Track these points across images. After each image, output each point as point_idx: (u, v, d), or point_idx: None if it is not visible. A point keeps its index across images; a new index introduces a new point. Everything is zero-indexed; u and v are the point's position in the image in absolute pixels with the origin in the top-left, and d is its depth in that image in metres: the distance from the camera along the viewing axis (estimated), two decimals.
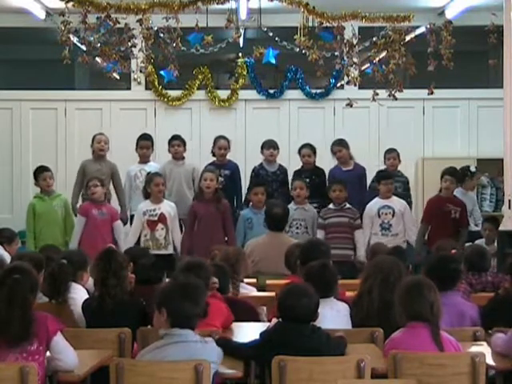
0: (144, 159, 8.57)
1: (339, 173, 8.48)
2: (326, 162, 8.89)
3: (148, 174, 8.04)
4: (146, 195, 7.74)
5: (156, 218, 7.64)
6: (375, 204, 7.90)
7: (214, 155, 8.59)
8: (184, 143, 8.53)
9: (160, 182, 7.68)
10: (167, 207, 7.71)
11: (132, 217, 8.15)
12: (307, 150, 8.51)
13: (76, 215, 8.27)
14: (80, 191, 8.45)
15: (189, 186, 8.39)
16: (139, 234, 7.69)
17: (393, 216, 7.83)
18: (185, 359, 3.79)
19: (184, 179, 8.42)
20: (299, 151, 8.57)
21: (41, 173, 8.05)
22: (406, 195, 8.55)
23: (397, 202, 7.94)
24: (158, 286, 5.27)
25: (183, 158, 8.54)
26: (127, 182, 8.50)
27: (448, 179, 8.03)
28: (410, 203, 8.58)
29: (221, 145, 8.55)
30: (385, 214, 7.83)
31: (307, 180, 8.15)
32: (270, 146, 8.53)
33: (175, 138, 8.56)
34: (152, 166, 8.48)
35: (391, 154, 8.69)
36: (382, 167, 8.84)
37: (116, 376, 3.79)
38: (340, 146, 8.59)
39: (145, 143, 8.58)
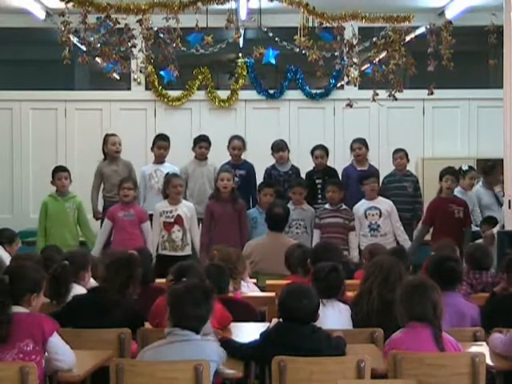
0: (160, 159, 8.52)
1: (353, 172, 8.50)
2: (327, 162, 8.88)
3: (166, 174, 8.00)
4: (165, 196, 7.73)
5: (172, 220, 7.63)
6: (362, 205, 7.90)
7: (230, 155, 8.61)
8: (210, 145, 8.51)
9: (178, 184, 7.67)
10: (184, 208, 7.69)
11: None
12: (320, 152, 8.54)
13: (97, 218, 8.31)
14: (98, 194, 8.47)
15: (211, 185, 8.31)
16: None
17: (380, 216, 7.84)
18: (188, 357, 3.81)
19: (206, 179, 8.40)
20: (312, 152, 8.58)
21: (57, 172, 8.07)
22: (415, 195, 8.56)
23: (383, 203, 7.93)
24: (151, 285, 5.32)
25: (206, 158, 8.53)
26: (141, 181, 8.42)
27: (449, 178, 8.03)
28: (420, 203, 8.59)
29: (234, 145, 8.57)
30: (372, 215, 7.84)
31: (319, 180, 8.21)
32: (278, 149, 8.55)
33: (203, 139, 8.51)
34: (167, 167, 8.43)
35: (398, 154, 8.69)
36: (387, 167, 8.86)
37: (116, 376, 3.80)
38: (361, 143, 8.63)
39: (163, 144, 8.52)
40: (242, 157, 8.68)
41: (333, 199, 7.79)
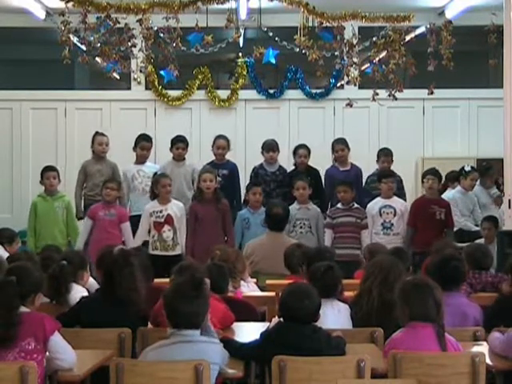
0: (142, 160, 8.52)
1: (336, 173, 8.51)
2: (326, 162, 8.88)
3: (155, 174, 8.00)
4: (154, 196, 7.73)
5: (162, 220, 7.61)
6: (377, 203, 7.93)
7: (214, 154, 8.61)
8: (187, 145, 8.51)
9: (167, 183, 7.66)
10: (174, 208, 7.68)
11: (131, 217, 8.15)
12: (304, 151, 8.53)
13: (80, 217, 8.27)
14: (82, 192, 8.44)
15: (189, 186, 8.36)
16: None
17: (394, 215, 7.86)
18: (190, 358, 3.80)
19: (184, 180, 8.39)
20: (295, 151, 8.57)
21: (45, 172, 8.07)
22: (399, 194, 8.56)
23: (397, 202, 7.97)
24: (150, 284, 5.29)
25: (184, 158, 8.53)
26: (124, 182, 8.41)
27: (430, 178, 8.00)
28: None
29: (219, 144, 8.55)
30: (386, 214, 7.86)
31: None
32: (269, 149, 8.53)
33: (180, 140, 8.48)
34: (149, 166, 8.46)
35: (386, 158, 8.63)
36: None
37: (116, 376, 3.79)
38: (343, 145, 8.62)
39: (146, 144, 8.52)
40: (227, 157, 8.63)
41: (345, 199, 7.81)
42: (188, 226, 7.76)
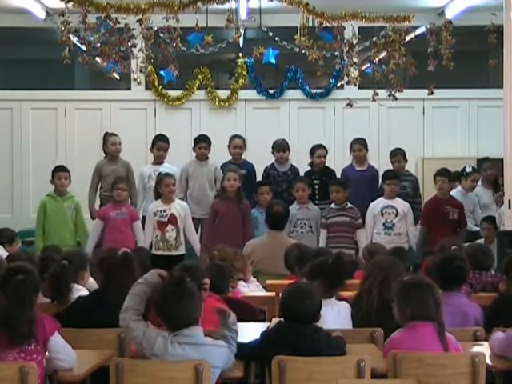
0: (159, 160, 8.52)
1: (352, 172, 8.54)
2: (326, 161, 8.87)
3: (159, 174, 8.01)
4: (157, 195, 7.73)
5: (166, 219, 7.62)
6: (378, 203, 7.97)
7: (231, 154, 8.61)
8: (210, 144, 8.49)
9: (170, 183, 7.66)
10: (178, 207, 7.68)
11: (145, 217, 8.16)
12: (323, 151, 8.54)
13: (94, 218, 8.26)
14: (96, 193, 8.44)
15: (211, 185, 8.36)
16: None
17: (396, 216, 7.88)
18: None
19: (206, 179, 8.39)
20: (313, 151, 8.55)
21: (57, 172, 8.08)
22: (415, 195, 8.55)
23: (400, 203, 7.98)
24: None
25: (207, 157, 8.52)
26: (140, 183, 8.43)
27: (440, 179, 8.05)
28: (419, 203, 8.56)
29: (236, 144, 8.57)
30: (388, 214, 7.88)
31: (317, 181, 8.20)
32: (279, 149, 8.55)
33: (202, 139, 8.49)
34: (166, 167, 8.41)
35: (396, 158, 8.61)
36: (386, 167, 8.85)
37: (116, 376, 3.79)
38: (361, 145, 8.62)
39: (163, 145, 8.52)
40: (242, 157, 8.67)
41: (337, 199, 7.82)
42: (206, 225, 7.79)
